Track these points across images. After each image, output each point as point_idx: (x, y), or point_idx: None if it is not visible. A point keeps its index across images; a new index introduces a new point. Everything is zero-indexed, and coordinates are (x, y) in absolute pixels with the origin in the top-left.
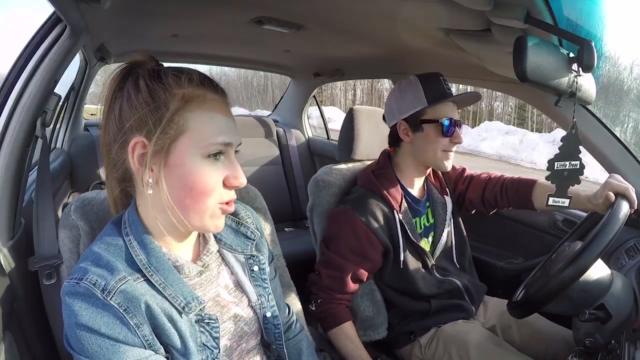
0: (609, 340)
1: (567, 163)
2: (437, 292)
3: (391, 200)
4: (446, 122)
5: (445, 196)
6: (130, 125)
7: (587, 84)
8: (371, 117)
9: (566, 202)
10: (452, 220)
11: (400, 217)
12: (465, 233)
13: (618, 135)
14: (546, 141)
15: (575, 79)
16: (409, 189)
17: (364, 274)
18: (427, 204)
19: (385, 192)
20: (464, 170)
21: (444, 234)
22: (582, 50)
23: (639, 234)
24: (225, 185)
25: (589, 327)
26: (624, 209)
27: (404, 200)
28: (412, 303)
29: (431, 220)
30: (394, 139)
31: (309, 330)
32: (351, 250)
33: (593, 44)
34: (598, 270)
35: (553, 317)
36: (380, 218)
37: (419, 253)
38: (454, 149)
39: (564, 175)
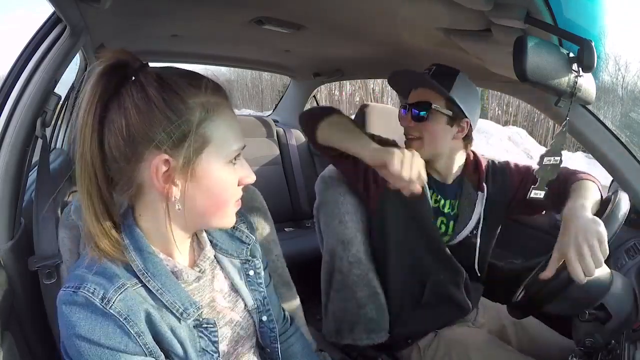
0: (609, 340)
1: (552, 158)
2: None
3: None
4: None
5: (479, 192)
6: (145, 140)
7: (587, 84)
8: (383, 115)
9: (542, 193)
10: (481, 219)
11: None
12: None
13: (618, 135)
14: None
15: (576, 79)
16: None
17: None
18: (455, 194)
19: None
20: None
21: (465, 231)
22: (582, 50)
23: (639, 234)
24: (239, 184)
25: (589, 327)
26: (623, 208)
27: None
28: (406, 287)
29: (455, 211)
30: None
31: (309, 330)
32: None
33: (593, 44)
34: (598, 270)
35: (552, 323)
36: None
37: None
38: (408, 132)
39: (547, 169)
